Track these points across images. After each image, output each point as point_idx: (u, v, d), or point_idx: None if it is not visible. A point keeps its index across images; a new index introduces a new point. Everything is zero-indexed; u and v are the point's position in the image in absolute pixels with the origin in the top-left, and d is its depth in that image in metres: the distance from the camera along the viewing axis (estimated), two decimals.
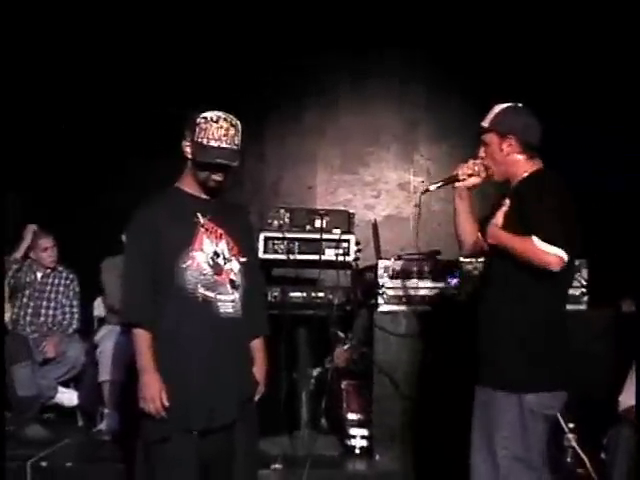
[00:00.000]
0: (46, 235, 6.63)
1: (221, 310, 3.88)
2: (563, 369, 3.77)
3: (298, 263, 5.88)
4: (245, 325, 3.98)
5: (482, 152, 3.93)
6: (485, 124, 3.87)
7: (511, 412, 3.67)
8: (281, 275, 5.92)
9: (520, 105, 3.91)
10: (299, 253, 5.86)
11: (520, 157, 3.83)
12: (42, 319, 6.58)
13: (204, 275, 3.86)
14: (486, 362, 3.80)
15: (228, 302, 3.90)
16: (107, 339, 6.23)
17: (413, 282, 5.74)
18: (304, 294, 5.84)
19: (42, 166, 7.33)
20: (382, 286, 5.73)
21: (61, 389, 6.45)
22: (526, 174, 3.82)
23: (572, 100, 7.09)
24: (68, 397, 6.46)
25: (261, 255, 5.75)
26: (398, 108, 7.70)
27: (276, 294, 5.78)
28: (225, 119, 3.84)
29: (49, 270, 6.68)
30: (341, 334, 6.09)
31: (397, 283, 5.73)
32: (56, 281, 6.69)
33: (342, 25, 7.43)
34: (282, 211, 6.00)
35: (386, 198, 7.54)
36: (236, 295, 3.93)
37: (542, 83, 7.14)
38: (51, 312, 6.63)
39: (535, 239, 3.54)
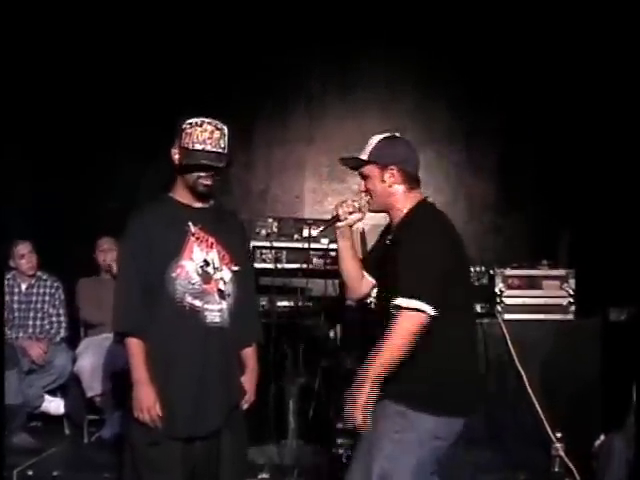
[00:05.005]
0: (23, 241, 6.60)
1: (208, 320, 3.87)
2: (464, 394, 3.68)
3: (286, 272, 5.89)
4: (234, 334, 3.97)
5: (362, 186, 3.85)
6: (364, 156, 3.79)
7: (399, 433, 3.55)
8: (269, 284, 5.91)
9: (397, 135, 3.87)
10: (287, 262, 5.87)
11: (401, 187, 3.76)
12: (30, 330, 6.57)
13: (192, 284, 3.86)
14: (393, 377, 3.59)
15: (215, 311, 3.89)
16: (85, 355, 6.31)
17: None
18: (292, 303, 5.85)
19: (27, 173, 7.33)
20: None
21: (48, 397, 6.44)
22: (405, 210, 3.75)
23: (558, 105, 7.12)
24: (55, 405, 6.45)
25: None
26: (385, 115, 7.69)
27: (264, 303, 5.79)
28: (209, 123, 3.86)
29: (33, 280, 6.67)
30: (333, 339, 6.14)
31: None
32: (41, 290, 6.67)
33: (329, 33, 7.43)
34: (270, 220, 6.01)
35: None
36: (224, 305, 3.92)
37: (528, 89, 7.17)
38: (38, 322, 6.61)
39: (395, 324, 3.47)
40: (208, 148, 3.82)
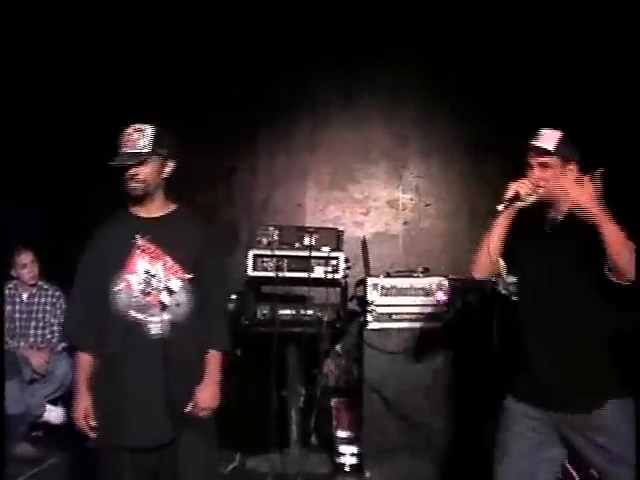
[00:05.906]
0: (25, 251, 6.60)
1: (152, 332, 3.89)
2: None
3: (287, 280, 5.88)
4: (182, 343, 3.93)
5: (538, 173, 3.91)
6: (550, 148, 3.87)
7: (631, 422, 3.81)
8: (270, 292, 5.90)
9: None
10: (288, 270, 5.86)
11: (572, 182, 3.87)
12: (31, 339, 6.57)
13: (134, 298, 3.90)
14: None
15: (157, 323, 3.90)
16: None
17: (402, 299, 5.76)
18: (293, 311, 5.84)
19: (26, 179, 7.30)
20: (371, 303, 5.74)
21: (49, 407, 6.42)
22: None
23: (562, 112, 7.10)
24: (56, 415, 6.43)
25: (250, 272, 5.78)
26: (388, 124, 7.68)
27: (265, 312, 5.78)
28: (132, 126, 3.94)
29: (34, 289, 6.67)
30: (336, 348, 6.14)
31: (386, 300, 5.75)
32: (42, 300, 6.68)
33: (333, 41, 7.42)
34: (271, 228, 6.00)
35: (375, 215, 7.52)
36: (165, 316, 3.91)
37: (533, 96, 7.14)
38: (39, 332, 6.61)
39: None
40: (124, 150, 3.90)
